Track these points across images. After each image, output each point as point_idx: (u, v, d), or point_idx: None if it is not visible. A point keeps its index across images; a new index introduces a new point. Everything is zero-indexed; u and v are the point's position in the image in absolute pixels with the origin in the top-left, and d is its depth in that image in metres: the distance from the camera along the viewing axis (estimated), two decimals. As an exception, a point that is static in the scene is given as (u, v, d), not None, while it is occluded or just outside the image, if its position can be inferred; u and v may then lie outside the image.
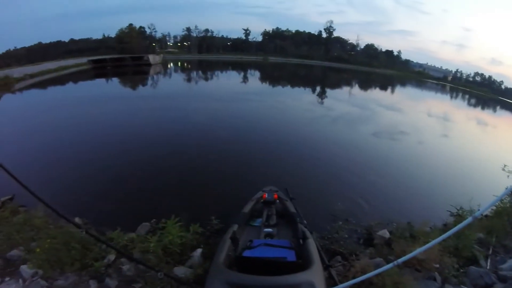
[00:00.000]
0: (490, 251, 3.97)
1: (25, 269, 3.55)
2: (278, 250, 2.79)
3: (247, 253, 2.77)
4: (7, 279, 3.55)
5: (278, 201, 4.03)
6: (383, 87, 38.12)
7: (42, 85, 22.48)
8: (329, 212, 5.40)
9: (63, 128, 8.86)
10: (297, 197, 4.59)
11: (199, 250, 3.97)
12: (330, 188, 6.64)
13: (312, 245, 2.90)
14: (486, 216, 5.11)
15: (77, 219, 4.47)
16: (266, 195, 4.06)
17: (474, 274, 3.57)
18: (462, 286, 3.35)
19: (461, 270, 3.62)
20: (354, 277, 3.25)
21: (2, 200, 4.64)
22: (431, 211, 5.56)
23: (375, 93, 31.16)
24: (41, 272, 3.54)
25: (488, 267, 3.73)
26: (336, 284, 2.32)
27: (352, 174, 7.42)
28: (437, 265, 3.48)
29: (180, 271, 3.66)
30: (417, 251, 1.64)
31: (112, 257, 3.79)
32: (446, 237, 1.67)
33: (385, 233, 4.35)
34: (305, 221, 3.58)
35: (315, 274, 2.36)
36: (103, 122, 10.24)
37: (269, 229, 3.46)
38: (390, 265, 1.63)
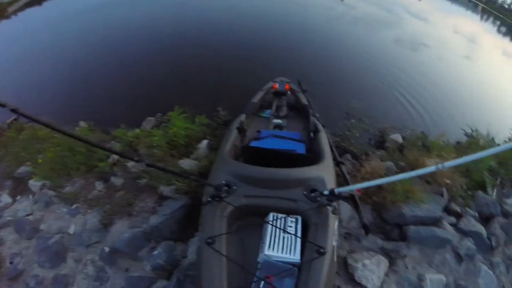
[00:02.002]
0: (498, 181, 3.79)
1: (33, 183, 3.58)
2: (287, 142, 2.64)
3: (254, 144, 2.62)
4: (18, 197, 3.63)
5: (289, 92, 3.76)
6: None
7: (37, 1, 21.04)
8: (342, 109, 5.02)
9: (63, 36, 7.96)
10: (310, 90, 4.16)
11: (205, 142, 3.74)
12: (346, 85, 6.12)
13: (324, 138, 2.72)
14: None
15: (82, 123, 4.33)
16: (277, 85, 3.72)
17: (481, 200, 3.43)
18: (467, 208, 3.26)
19: (469, 193, 3.49)
20: (363, 178, 3.14)
21: (8, 122, 4.59)
22: (445, 126, 5.20)
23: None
24: (48, 183, 3.55)
25: (494, 197, 3.57)
26: (347, 183, 2.16)
27: (369, 76, 6.73)
28: (449, 181, 3.34)
29: (185, 163, 3.48)
30: (465, 159, 1.26)
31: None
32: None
33: (398, 138, 4.12)
34: (317, 114, 3.32)
35: (326, 169, 2.20)
36: (104, 24, 8.57)
37: (279, 120, 3.29)
38: (433, 168, 1.33)
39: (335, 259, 1.86)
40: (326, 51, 7.73)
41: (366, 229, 2.07)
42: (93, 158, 3.61)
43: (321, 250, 1.65)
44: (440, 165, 1.32)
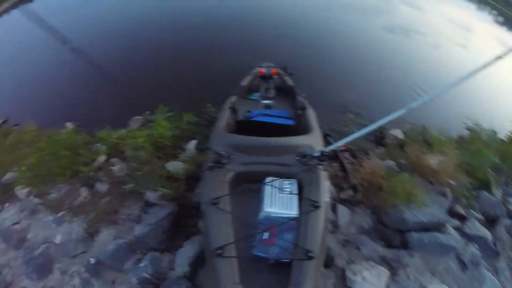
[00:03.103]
0: (502, 180, 3.63)
1: (19, 191, 3.46)
2: (277, 120, 2.81)
3: (244, 119, 2.87)
4: (6, 205, 3.51)
5: (276, 76, 3.85)
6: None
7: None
8: (338, 102, 4.75)
9: (46, 36, 7.40)
10: (301, 79, 4.05)
11: (193, 142, 3.53)
12: (341, 77, 5.71)
13: (311, 115, 2.89)
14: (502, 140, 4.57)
15: (68, 124, 4.18)
16: (264, 70, 3.83)
17: (486, 200, 3.29)
18: (471, 210, 3.13)
19: (473, 193, 3.34)
20: (363, 178, 2.97)
21: (-5, 126, 4.47)
22: (446, 119, 4.88)
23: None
24: (34, 190, 3.42)
25: (498, 197, 3.43)
26: (336, 152, 2.44)
27: (366, 66, 6.24)
28: (453, 182, 3.20)
29: (173, 166, 3.28)
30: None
31: (102, 158, 3.51)
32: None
33: (398, 133, 3.92)
34: (303, 94, 3.43)
35: (314, 138, 2.41)
36: (87, 21, 7.82)
37: (268, 101, 3.39)
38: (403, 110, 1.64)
39: (329, 212, 2.13)
40: (317, 41, 7.13)
41: (355, 189, 2.39)
42: (78, 162, 3.45)
43: (316, 204, 1.83)
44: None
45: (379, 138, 4.07)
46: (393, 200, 2.81)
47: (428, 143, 3.74)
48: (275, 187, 1.96)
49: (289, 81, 3.71)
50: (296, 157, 2.13)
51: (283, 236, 1.73)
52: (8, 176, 3.62)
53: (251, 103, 3.44)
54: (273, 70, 3.81)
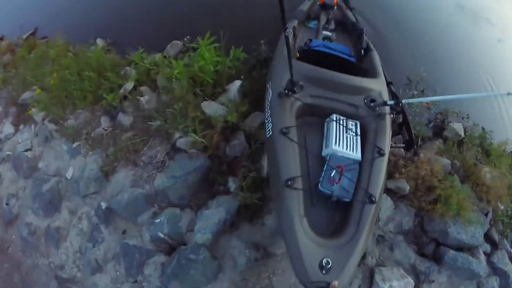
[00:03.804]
0: None
1: (35, 112, 3.03)
2: (340, 53, 2.57)
3: (309, 48, 2.62)
4: (21, 126, 3.15)
5: (336, 7, 3.52)
6: None
7: None
8: (405, 73, 3.86)
9: None
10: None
11: (237, 83, 2.79)
12: (415, 45, 4.62)
13: (376, 57, 2.70)
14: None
15: (99, 41, 3.61)
16: None
17: None
18: (504, 240, 2.93)
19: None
20: (418, 174, 2.61)
21: (23, 38, 3.98)
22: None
23: None
24: (50, 115, 2.99)
25: None
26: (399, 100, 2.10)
27: (446, 42, 5.04)
28: (501, 205, 2.96)
29: (210, 107, 2.61)
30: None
31: (130, 85, 2.92)
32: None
33: (460, 128, 3.43)
34: (367, 34, 3.04)
35: (382, 84, 2.32)
36: None
37: (328, 33, 3.15)
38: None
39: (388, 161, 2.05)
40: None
41: (410, 146, 2.44)
42: (103, 87, 2.92)
43: (382, 152, 1.84)
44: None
45: (440, 128, 3.51)
46: (443, 209, 2.52)
47: (486, 151, 3.35)
48: (342, 125, 1.93)
49: (351, 16, 3.45)
50: (365, 100, 2.07)
51: (347, 176, 1.73)
52: (26, 95, 3.19)
53: (310, 31, 3.24)
54: (335, 1, 3.48)
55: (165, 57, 3.20)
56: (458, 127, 3.47)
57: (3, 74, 3.63)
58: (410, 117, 3.26)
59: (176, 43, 3.38)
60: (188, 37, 3.35)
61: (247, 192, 2.24)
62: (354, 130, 1.94)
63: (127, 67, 3.13)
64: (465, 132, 3.49)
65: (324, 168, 1.75)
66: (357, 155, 1.83)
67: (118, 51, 3.47)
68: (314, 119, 2.03)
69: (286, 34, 1.61)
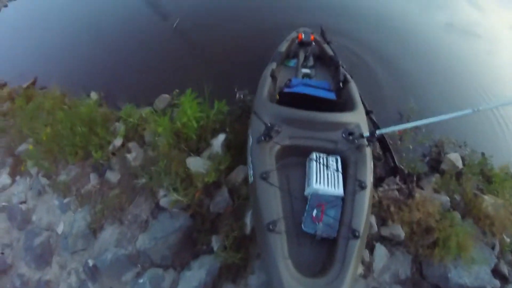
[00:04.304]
0: None
1: (30, 166, 3.19)
2: (318, 91, 2.62)
3: (287, 90, 2.68)
4: (17, 178, 3.29)
5: (313, 43, 3.64)
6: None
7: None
8: (395, 106, 3.87)
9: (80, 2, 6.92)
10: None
11: (221, 137, 2.89)
12: (403, 78, 4.50)
13: (354, 88, 2.78)
14: None
15: (93, 94, 3.78)
16: (302, 36, 3.60)
17: None
18: None
19: None
20: (413, 218, 2.55)
21: (24, 87, 4.18)
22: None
23: None
24: (42, 169, 3.14)
25: None
26: (375, 130, 2.13)
27: (432, 72, 4.86)
28: (507, 238, 2.77)
29: (195, 163, 2.72)
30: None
31: (118, 141, 3.06)
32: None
33: (457, 159, 3.30)
34: (344, 66, 3.26)
35: (360, 116, 2.35)
36: None
37: (307, 70, 3.28)
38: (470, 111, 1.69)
39: (372, 192, 2.13)
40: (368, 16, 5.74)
41: (395, 173, 2.58)
42: (93, 143, 3.04)
43: (363, 184, 1.87)
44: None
45: (435, 161, 3.38)
46: (441, 253, 2.41)
47: (487, 177, 3.21)
48: (321, 163, 1.98)
49: (329, 50, 3.54)
50: (343, 134, 2.12)
51: (330, 214, 1.77)
52: (22, 147, 3.35)
53: (289, 70, 3.35)
54: (312, 37, 3.63)
55: (155, 111, 3.33)
56: (455, 157, 3.35)
57: (2, 123, 3.77)
58: (404, 154, 3.30)
59: (165, 96, 3.54)
60: (176, 90, 3.49)
61: (230, 252, 2.28)
62: (335, 165, 1.99)
63: (117, 123, 3.25)
64: (463, 161, 3.37)
65: (306, 208, 1.81)
66: (339, 191, 1.87)
67: (111, 105, 3.63)
68: (296, 159, 2.09)
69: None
